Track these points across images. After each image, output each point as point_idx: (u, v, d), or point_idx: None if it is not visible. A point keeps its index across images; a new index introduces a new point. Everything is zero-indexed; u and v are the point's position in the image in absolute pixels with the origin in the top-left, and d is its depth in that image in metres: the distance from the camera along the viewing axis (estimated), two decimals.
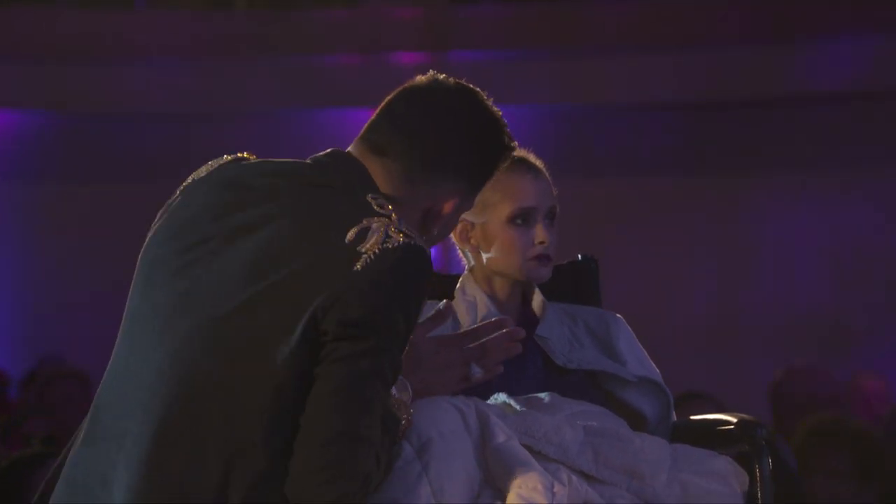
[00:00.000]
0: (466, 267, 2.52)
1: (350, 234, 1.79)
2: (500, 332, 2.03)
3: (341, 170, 1.90)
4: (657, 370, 2.48)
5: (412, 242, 1.81)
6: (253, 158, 1.97)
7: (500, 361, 2.03)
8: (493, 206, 2.43)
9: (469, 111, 1.96)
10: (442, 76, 1.99)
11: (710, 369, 6.34)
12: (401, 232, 1.82)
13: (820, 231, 7.07)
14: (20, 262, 7.27)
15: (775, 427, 4.33)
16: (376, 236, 1.80)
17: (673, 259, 7.20)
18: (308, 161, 1.94)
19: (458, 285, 2.51)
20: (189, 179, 1.98)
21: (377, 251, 1.78)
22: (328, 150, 1.95)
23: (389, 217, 1.83)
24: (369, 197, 1.86)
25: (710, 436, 2.33)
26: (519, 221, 2.42)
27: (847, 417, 4.00)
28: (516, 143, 2.01)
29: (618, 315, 2.53)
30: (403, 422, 1.94)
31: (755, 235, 7.21)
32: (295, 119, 7.45)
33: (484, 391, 2.30)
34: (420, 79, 1.99)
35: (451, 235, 2.50)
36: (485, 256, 2.45)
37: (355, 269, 1.77)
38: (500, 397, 2.29)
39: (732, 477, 2.23)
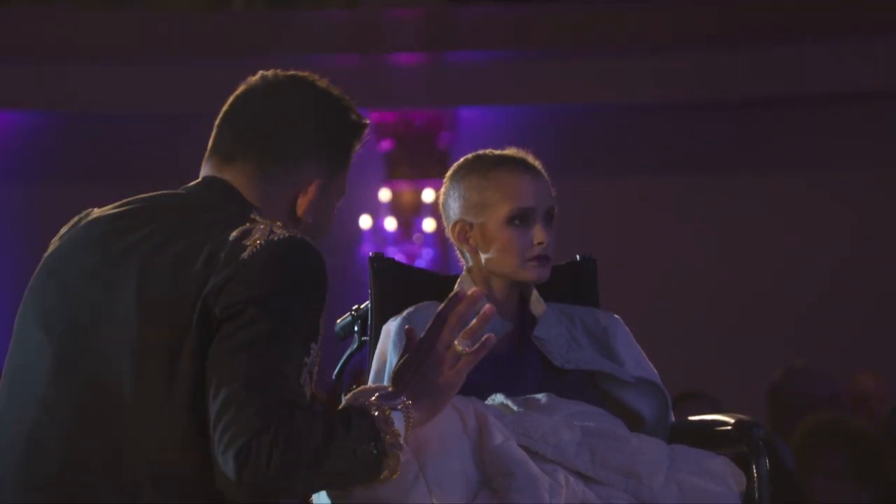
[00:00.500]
0: (464, 268, 2.52)
1: (235, 233, 1.82)
2: (461, 304, 1.96)
3: (215, 194, 1.93)
4: (655, 370, 2.48)
5: (297, 236, 1.84)
6: (116, 207, 1.96)
7: (483, 332, 1.98)
8: (492, 206, 2.42)
9: (304, 96, 2.01)
10: (271, 72, 2.05)
11: (708, 369, 6.34)
12: (284, 229, 1.85)
13: (820, 231, 7.07)
14: (19, 262, 7.26)
15: (774, 427, 4.34)
16: (261, 232, 1.83)
17: (671, 259, 7.19)
18: (181, 192, 1.97)
19: (456, 286, 2.50)
20: (63, 230, 1.99)
21: (262, 242, 1.81)
22: (198, 180, 1.99)
23: (274, 222, 1.87)
24: (252, 215, 1.89)
25: (707, 436, 2.33)
26: (517, 222, 2.42)
27: (846, 418, 4.01)
28: (367, 119, 2.05)
29: (616, 315, 2.53)
30: (386, 438, 1.86)
31: (754, 235, 7.21)
32: None
33: (482, 392, 2.30)
34: (251, 79, 2.04)
35: (450, 236, 2.50)
36: (483, 257, 2.45)
37: (241, 258, 1.79)
38: (498, 398, 2.29)
39: (730, 477, 2.23)
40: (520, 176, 2.44)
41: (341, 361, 2.58)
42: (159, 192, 1.98)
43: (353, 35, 7.22)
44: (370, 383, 2.39)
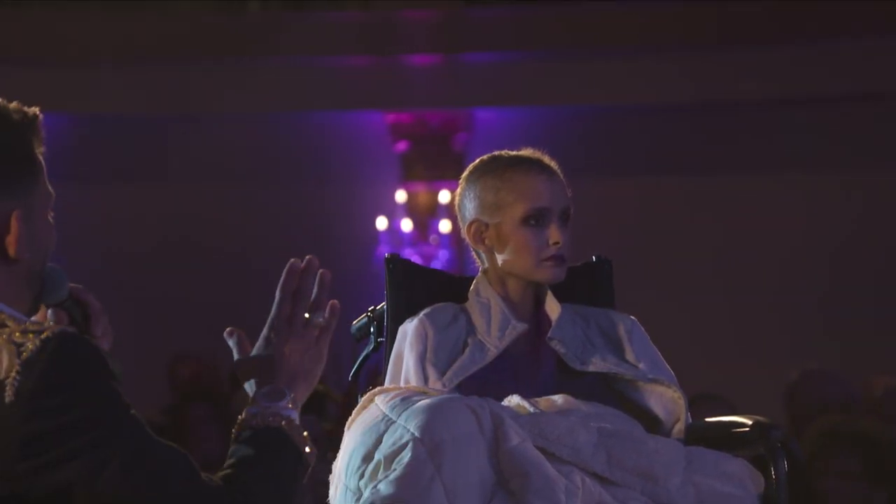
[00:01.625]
0: (480, 269, 2.52)
1: None
2: (298, 275, 1.79)
3: None
4: (671, 371, 2.47)
5: (47, 336, 1.58)
6: None
7: (328, 299, 1.80)
8: (507, 206, 2.42)
9: None
10: None
11: (723, 371, 6.32)
12: (27, 333, 1.59)
13: (838, 232, 7.05)
14: None
15: (790, 430, 4.33)
16: (7, 354, 1.57)
17: (687, 259, 7.18)
18: None
19: (471, 287, 2.50)
20: None
21: (19, 369, 1.56)
22: None
23: (4, 325, 1.60)
24: None
25: (724, 438, 2.32)
26: (532, 222, 2.42)
27: (858, 419, 4.00)
28: (33, 109, 1.72)
29: (631, 316, 2.53)
30: (306, 450, 1.71)
31: (770, 236, 7.19)
32: (307, 121, 7.46)
33: (498, 392, 2.30)
34: None
35: (466, 237, 2.50)
36: (499, 258, 2.45)
37: (8, 401, 1.55)
38: (514, 399, 2.29)
39: (748, 479, 2.22)
40: (535, 176, 2.43)
41: (357, 362, 2.58)
42: None
43: (367, 36, 7.22)
44: (386, 384, 2.40)
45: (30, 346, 1.58)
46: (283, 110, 7.34)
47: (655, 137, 7.28)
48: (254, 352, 1.77)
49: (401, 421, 2.14)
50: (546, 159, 2.48)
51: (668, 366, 2.49)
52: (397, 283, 2.54)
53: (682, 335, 5.39)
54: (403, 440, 2.10)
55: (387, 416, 2.17)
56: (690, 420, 2.43)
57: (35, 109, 1.73)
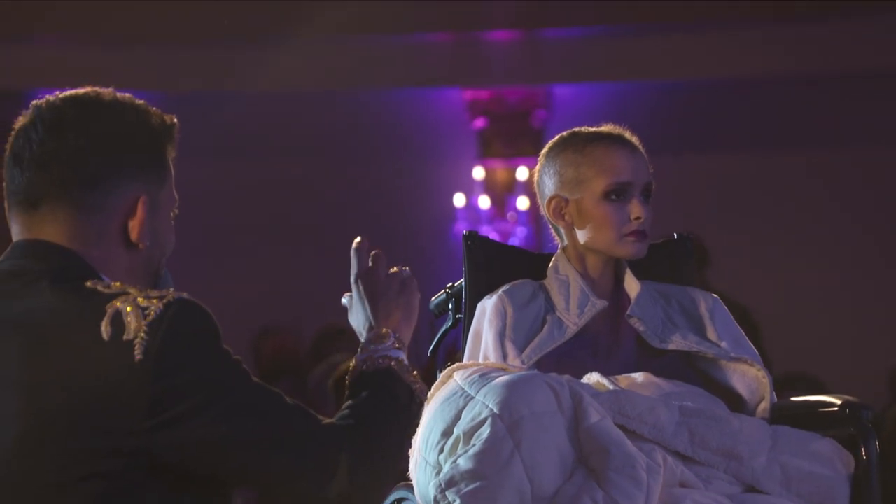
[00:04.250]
0: (559, 246, 2.49)
1: (105, 330, 1.67)
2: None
3: (39, 262, 1.75)
4: (755, 350, 2.43)
5: (168, 300, 1.70)
6: None
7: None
8: (588, 181, 2.39)
9: (91, 113, 1.79)
10: (43, 101, 1.80)
11: (816, 352, 6.20)
12: (150, 298, 1.70)
13: None
14: None
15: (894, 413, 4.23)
16: (134, 317, 1.68)
17: (772, 237, 7.06)
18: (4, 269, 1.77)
19: (550, 264, 2.48)
20: None
21: (146, 329, 1.67)
22: (8, 251, 1.79)
23: (126, 292, 1.71)
24: (89, 283, 1.72)
25: (812, 417, 2.27)
26: (614, 197, 2.39)
27: None
28: (172, 118, 1.84)
29: (713, 294, 2.49)
30: (417, 387, 1.86)
31: (862, 212, 7.04)
32: (386, 98, 7.47)
33: (578, 370, 2.28)
34: (25, 113, 1.81)
35: (545, 213, 2.48)
36: (579, 234, 2.42)
37: (137, 360, 1.66)
38: (594, 376, 2.27)
39: (836, 459, 2.17)
40: (616, 151, 2.40)
41: (436, 338, 2.58)
42: None
43: (446, 13, 7.20)
44: (465, 361, 2.39)
45: (153, 309, 1.68)
46: (362, 87, 7.35)
47: (738, 112, 7.17)
48: (348, 302, 1.92)
49: (479, 397, 2.13)
50: (627, 134, 2.45)
51: (751, 344, 2.44)
52: (475, 261, 2.53)
53: (768, 313, 5.31)
54: (482, 416, 2.09)
55: (466, 391, 2.16)
56: (776, 399, 2.39)
57: (172, 117, 1.85)
